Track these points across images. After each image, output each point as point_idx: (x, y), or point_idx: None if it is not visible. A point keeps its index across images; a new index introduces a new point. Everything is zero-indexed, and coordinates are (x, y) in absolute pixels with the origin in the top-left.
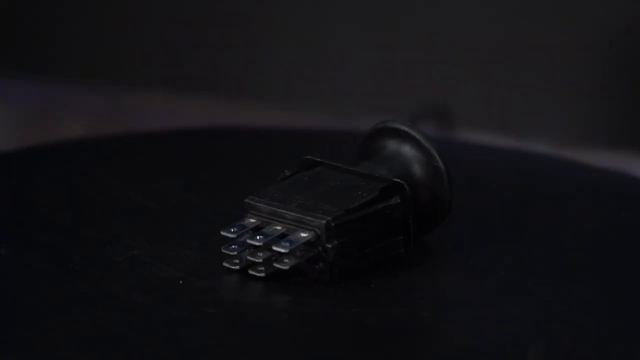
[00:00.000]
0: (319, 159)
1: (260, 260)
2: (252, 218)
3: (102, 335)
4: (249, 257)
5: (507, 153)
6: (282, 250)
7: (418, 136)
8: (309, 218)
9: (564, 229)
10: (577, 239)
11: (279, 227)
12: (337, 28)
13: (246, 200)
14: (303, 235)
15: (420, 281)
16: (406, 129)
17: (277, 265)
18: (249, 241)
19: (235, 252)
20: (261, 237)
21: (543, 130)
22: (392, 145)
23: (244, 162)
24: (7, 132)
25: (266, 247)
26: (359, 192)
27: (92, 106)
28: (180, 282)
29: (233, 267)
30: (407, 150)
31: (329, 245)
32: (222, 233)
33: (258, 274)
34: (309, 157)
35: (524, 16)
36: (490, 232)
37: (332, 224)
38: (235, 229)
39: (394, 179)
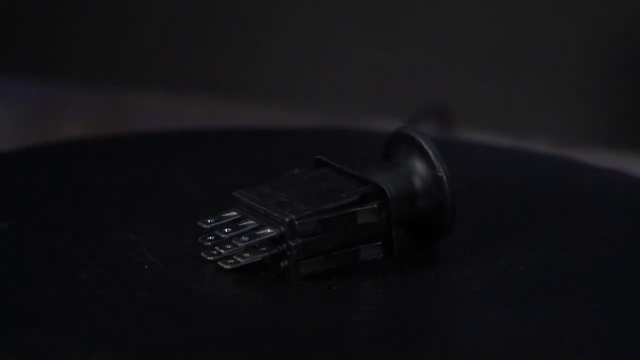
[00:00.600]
0: (326, 160)
1: (226, 253)
2: (234, 211)
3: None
4: (216, 249)
5: (507, 153)
6: (239, 244)
7: (424, 144)
8: (276, 215)
9: (564, 229)
10: (577, 239)
11: (252, 222)
12: (337, 28)
13: (234, 194)
14: (267, 231)
15: (413, 280)
16: (415, 136)
17: (236, 259)
18: (216, 233)
19: (210, 243)
20: (229, 230)
21: (543, 130)
22: (402, 151)
23: (244, 162)
24: (7, 132)
25: (231, 240)
26: (342, 195)
27: (92, 106)
28: (146, 266)
29: (208, 258)
30: (413, 158)
31: (292, 244)
32: (198, 223)
33: (224, 266)
34: (319, 157)
35: (524, 16)
36: (490, 232)
37: (296, 223)
38: (212, 220)
39: (378, 184)
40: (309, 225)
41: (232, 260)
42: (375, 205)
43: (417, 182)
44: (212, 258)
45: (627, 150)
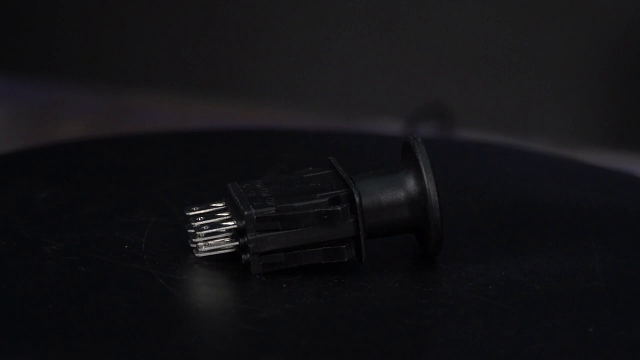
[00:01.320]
0: (332, 161)
1: (194, 242)
2: (220, 202)
3: None
4: (191, 238)
5: (507, 153)
6: (200, 234)
7: (418, 155)
8: (242, 208)
9: (563, 229)
10: (577, 239)
11: (227, 214)
12: (337, 28)
13: (228, 185)
14: (229, 224)
15: (400, 282)
16: (414, 145)
17: (203, 248)
18: (190, 221)
19: (191, 231)
20: (201, 219)
21: (543, 130)
22: (404, 159)
23: (245, 162)
24: (7, 132)
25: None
26: (316, 195)
27: (92, 106)
28: (126, 246)
29: (191, 245)
30: (409, 167)
31: (250, 237)
32: (184, 210)
33: (197, 254)
34: (331, 158)
35: (524, 16)
36: (489, 232)
37: (254, 217)
38: (196, 209)
39: (351, 188)
40: (268, 221)
41: (195, 248)
42: (339, 209)
43: (404, 193)
44: (193, 246)
45: (627, 150)
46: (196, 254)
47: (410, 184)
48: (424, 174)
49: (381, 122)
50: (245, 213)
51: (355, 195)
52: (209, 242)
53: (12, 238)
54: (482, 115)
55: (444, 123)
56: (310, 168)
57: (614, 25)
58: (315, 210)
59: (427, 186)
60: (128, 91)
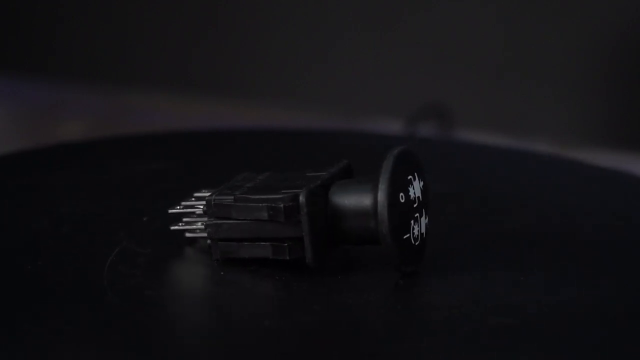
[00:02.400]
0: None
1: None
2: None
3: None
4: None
5: (507, 153)
6: (172, 211)
7: (383, 165)
8: (208, 195)
9: (563, 229)
10: (576, 239)
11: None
12: (337, 28)
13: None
14: (197, 207)
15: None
16: (386, 154)
17: (178, 226)
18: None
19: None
20: (190, 200)
21: (543, 130)
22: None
23: (245, 162)
24: (7, 132)
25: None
26: (279, 191)
27: (92, 106)
28: (124, 242)
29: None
30: (377, 177)
31: (208, 222)
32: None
33: (171, 227)
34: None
35: (524, 16)
36: (487, 232)
37: (212, 202)
38: (205, 191)
39: (303, 190)
40: (223, 209)
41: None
42: (282, 206)
43: (369, 202)
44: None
45: (627, 150)
46: (170, 227)
47: (374, 194)
48: (379, 184)
49: (381, 122)
50: (206, 198)
51: (301, 196)
52: (184, 219)
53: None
54: (482, 115)
55: (444, 123)
56: (332, 167)
57: (614, 26)
58: (265, 204)
59: (378, 197)
60: (128, 91)
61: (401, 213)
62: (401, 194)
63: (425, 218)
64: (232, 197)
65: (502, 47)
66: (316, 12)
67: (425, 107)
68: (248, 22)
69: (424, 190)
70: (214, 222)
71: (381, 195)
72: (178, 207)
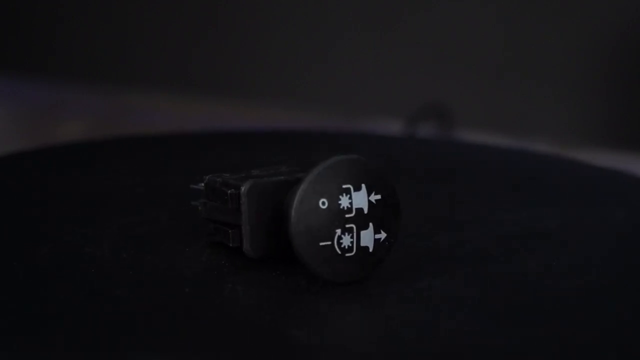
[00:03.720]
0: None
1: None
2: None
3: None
4: None
5: (506, 153)
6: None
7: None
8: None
9: (563, 229)
10: (575, 239)
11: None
12: (338, 28)
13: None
14: (199, 185)
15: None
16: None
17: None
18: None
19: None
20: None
21: (543, 130)
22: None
23: (245, 162)
24: (7, 132)
25: None
26: (249, 179)
27: (92, 106)
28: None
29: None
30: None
31: (200, 201)
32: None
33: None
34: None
35: (525, 17)
36: (485, 232)
37: (203, 184)
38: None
39: (249, 180)
40: (208, 189)
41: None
42: (228, 192)
43: (284, 203)
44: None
45: (627, 150)
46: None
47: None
48: (296, 187)
49: (381, 122)
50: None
51: (243, 186)
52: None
53: (11, 238)
54: (482, 116)
55: (444, 123)
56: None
57: (614, 26)
58: (222, 189)
59: (289, 199)
60: (128, 91)
61: (320, 219)
62: (323, 200)
63: (380, 233)
64: (213, 180)
65: (502, 47)
66: (316, 12)
67: (425, 107)
68: (248, 22)
69: (375, 205)
70: (203, 201)
71: (290, 197)
72: (200, 184)
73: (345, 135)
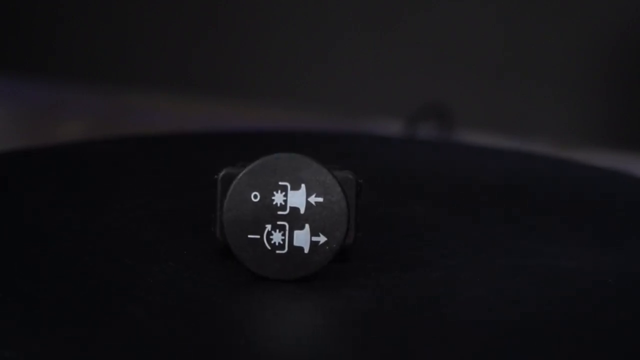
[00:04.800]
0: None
1: None
2: None
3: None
4: None
5: (506, 153)
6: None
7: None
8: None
9: (563, 229)
10: (576, 239)
11: None
12: (337, 28)
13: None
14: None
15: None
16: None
17: None
18: None
19: None
20: None
21: (543, 130)
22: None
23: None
24: (7, 132)
25: None
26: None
27: (92, 106)
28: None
29: None
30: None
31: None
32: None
33: None
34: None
35: (524, 17)
36: (483, 232)
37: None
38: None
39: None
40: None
41: None
42: (216, 177)
43: None
44: None
45: (627, 150)
46: None
47: None
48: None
49: (381, 122)
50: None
51: (219, 174)
52: None
53: (10, 239)
54: (482, 116)
55: (444, 123)
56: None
57: (614, 26)
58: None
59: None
60: (128, 91)
61: (250, 212)
62: (255, 193)
63: (319, 236)
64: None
65: (502, 47)
66: (316, 12)
67: (425, 107)
68: (248, 22)
69: (315, 207)
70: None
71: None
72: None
73: (345, 135)
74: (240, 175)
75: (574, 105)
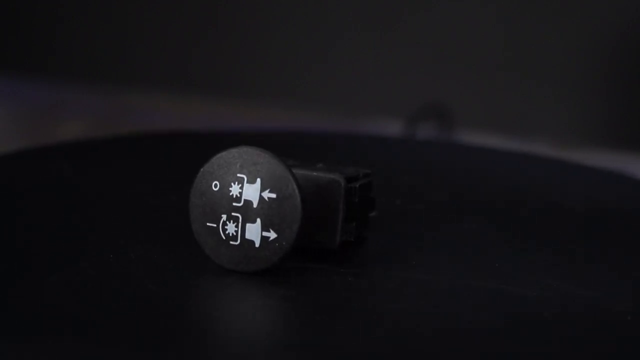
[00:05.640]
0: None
1: None
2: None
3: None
4: None
5: (506, 154)
6: None
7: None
8: None
9: (562, 230)
10: (575, 240)
11: None
12: (337, 28)
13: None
14: None
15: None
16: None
17: None
18: None
19: None
20: None
21: (543, 130)
22: None
23: None
24: (7, 132)
25: None
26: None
27: (92, 106)
28: (111, 256)
29: None
30: None
31: None
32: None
33: None
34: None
35: (525, 17)
36: (483, 232)
37: None
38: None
39: None
40: None
41: None
42: None
43: None
44: None
45: (627, 150)
46: None
47: None
48: None
49: (381, 122)
50: None
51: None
52: None
53: (10, 239)
54: (482, 116)
55: (444, 123)
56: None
57: (614, 26)
58: None
59: None
60: (128, 91)
61: (210, 200)
62: (216, 182)
63: (269, 232)
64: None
65: (502, 47)
66: (316, 12)
67: (425, 107)
68: (248, 22)
69: (267, 202)
70: None
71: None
72: None
73: (345, 135)
74: (207, 164)
75: (574, 105)
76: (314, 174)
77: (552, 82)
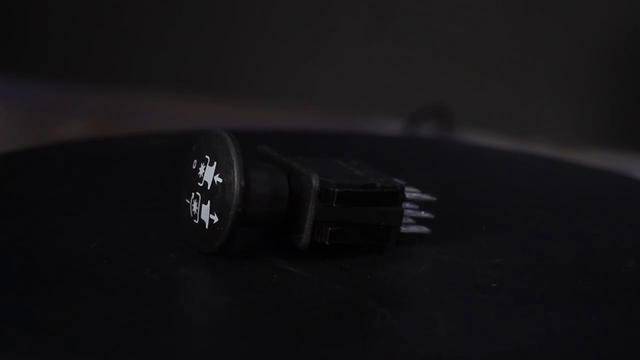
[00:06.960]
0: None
1: None
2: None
3: None
4: None
5: (506, 154)
6: None
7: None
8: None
9: (563, 230)
10: (575, 240)
11: None
12: (337, 28)
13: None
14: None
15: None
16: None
17: None
18: None
19: None
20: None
21: (543, 130)
22: None
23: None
24: (7, 132)
25: None
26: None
27: (92, 106)
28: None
29: None
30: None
31: None
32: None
33: None
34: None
35: (525, 16)
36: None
37: None
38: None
39: None
40: None
41: None
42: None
43: None
44: None
45: (627, 150)
46: None
47: None
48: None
49: (381, 122)
50: None
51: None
52: None
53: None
54: (482, 116)
55: (444, 123)
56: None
57: (614, 26)
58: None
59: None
60: (128, 91)
61: (187, 177)
62: (195, 161)
63: (214, 215)
64: None
65: (502, 47)
66: (315, 12)
67: (425, 107)
68: (247, 22)
69: (215, 186)
70: None
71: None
72: None
73: (346, 135)
74: (195, 145)
75: (574, 105)
76: (295, 168)
77: (552, 82)
